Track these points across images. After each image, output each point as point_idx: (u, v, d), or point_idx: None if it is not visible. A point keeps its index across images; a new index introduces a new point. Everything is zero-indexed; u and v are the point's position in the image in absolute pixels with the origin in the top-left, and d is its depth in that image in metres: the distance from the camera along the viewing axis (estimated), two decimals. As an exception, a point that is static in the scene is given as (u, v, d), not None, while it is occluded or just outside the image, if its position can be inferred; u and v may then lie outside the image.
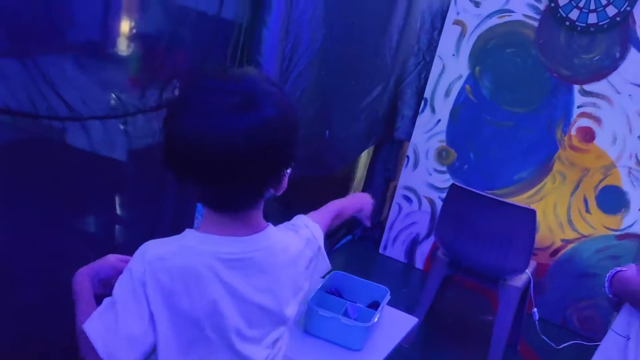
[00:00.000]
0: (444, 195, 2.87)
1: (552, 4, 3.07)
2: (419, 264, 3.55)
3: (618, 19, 2.96)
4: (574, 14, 3.05)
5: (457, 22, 3.31)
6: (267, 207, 1.08)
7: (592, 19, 3.02)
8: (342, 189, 3.56)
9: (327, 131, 2.72)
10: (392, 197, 3.62)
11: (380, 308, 1.63)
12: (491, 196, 2.70)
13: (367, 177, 3.72)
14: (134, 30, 1.86)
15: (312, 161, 2.70)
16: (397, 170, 3.65)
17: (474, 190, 2.69)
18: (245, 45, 2.23)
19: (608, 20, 2.99)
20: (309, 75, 2.45)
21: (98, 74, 1.73)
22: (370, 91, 3.06)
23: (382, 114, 3.37)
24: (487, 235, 2.65)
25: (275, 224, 1.13)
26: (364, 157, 3.68)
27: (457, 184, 2.73)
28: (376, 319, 1.58)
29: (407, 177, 3.53)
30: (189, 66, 2.15)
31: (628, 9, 2.93)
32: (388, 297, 1.69)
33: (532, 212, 2.59)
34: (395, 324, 1.72)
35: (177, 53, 2.08)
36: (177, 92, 1.93)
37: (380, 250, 3.64)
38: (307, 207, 3.24)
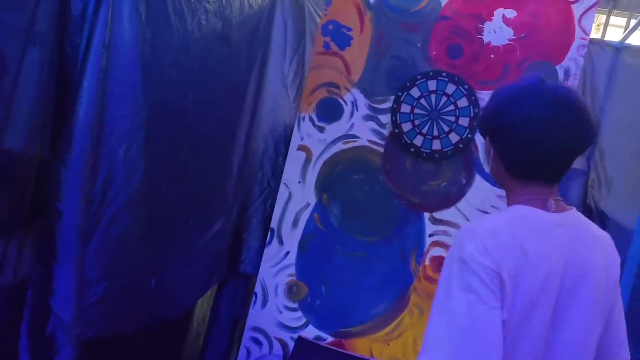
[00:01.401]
0: (296, 335, 2.53)
1: (396, 130, 2.97)
2: (272, 416, 3.11)
3: (461, 145, 2.90)
4: (418, 140, 2.96)
5: (301, 148, 3.11)
6: None
7: (436, 145, 2.94)
8: (181, 334, 3.11)
9: (153, 280, 2.31)
10: (240, 339, 3.21)
11: None
12: (338, 350, 2.39)
13: (212, 317, 3.30)
14: None
15: (136, 315, 2.27)
16: (245, 307, 3.27)
17: (323, 344, 2.36)
18: (39, 187, 1.85)
19: (452, 146, 2.92)
20: (126, 217, 2.08)
21: None
22: (210, 226, 2.73)
23: (226, 247, 3.02)
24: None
25: None
26: (207, 295, 3.28)
27: (303, 337, 2.41)
28: None
29: (255, 316, 3.15)
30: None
31: (469, 136, 2.88)
32: None
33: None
34: None
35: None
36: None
37: (228, 403, 3.18)
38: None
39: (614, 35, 3.94)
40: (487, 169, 1.83)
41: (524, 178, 1.42)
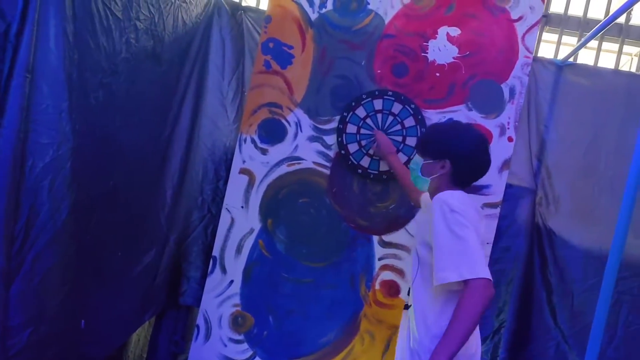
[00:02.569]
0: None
1: (343, 151, 2.87)
2: None
3: (409, 166, 2.83)
4: (365, 161, 2.87)
5: (243, 171, 2.96)
6: None
7: (384, 166, 2.85)
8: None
9: (82, 321, 2.10)
10: (182, 375, 3.01)
11: None
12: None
13: (149, 353, 3.09)
14: None
15: (63, 358, 2.06)
16: (186, 342, 3.08)
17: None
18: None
19: (399, 167, 2.84)
20: (53, 253, 1.88)
21: None
22: (140, 259, 2.54)
23: (162, 279, 2.83)
24: None
25: None
26: (145, 329, 3.07)
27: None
28: None
29: (198, 350, 2.96)
30: None
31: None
32: None
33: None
34: None
35: None
36: None
37: None
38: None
39: (546, 51, 4.01)
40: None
41: (461, 186, 2.02)
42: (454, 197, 1.88)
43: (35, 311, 1.86)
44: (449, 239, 1.78)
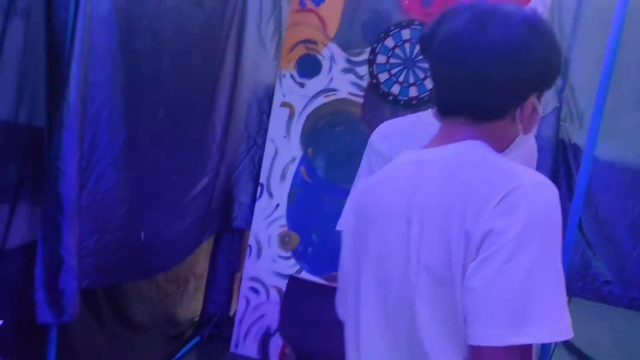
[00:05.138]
0: (291, 282, 2.70)
1: (374, 81, 3.10)
2: (274, 358, 3.30)
3: (436, 91, 3.03)
4: (395, 89, 3.09)
5: (284, 104, 3.25)
6: None
7: (413, 92, 3.07)
8: (181, 287, 3.28)
9: (142, 233, 2.46)
10: (239, 290, 3.38)
11: None
12: (330, 284, 2.56)
13: (210, 271, 3.48)
14: None
15: (128, 266, 2.43)
16: (241, 260, 3.44)
17: (313, 280, 2.53)
18: (45, 151, 1.98)
19: (427, 92, 3.05)
20: (113, 174, 2.22)
21: None
22: (195, 184, 2.87)
23: (217, 204, 3.17)
24: (330, 326, 2.48)
25: None
26: (205, 250, 3.44)
27: (294, 275, 2.57)
28: None
29: (251, 267, 3.32)
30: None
31: (443, 81, 3.01)
32: None
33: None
34: None
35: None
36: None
37: (232, 349, 3.36)
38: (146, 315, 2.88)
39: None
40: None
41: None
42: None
43: (99, 222, 2.21)
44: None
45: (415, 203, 1.04)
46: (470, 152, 1.05)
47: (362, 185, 1.20)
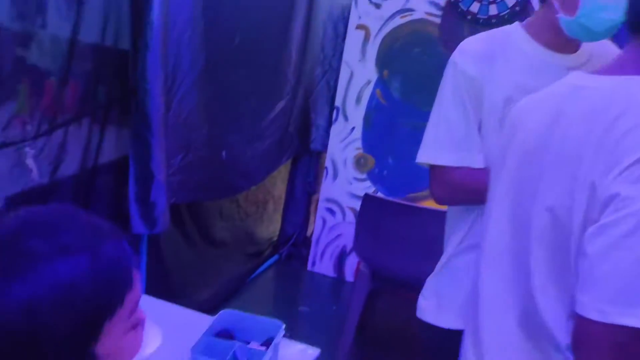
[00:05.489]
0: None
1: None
2: (349, 276, 3.42)
3: (517, 8, 2.92)
4: (474, 7, 2.99)
5: (360, 27, 3.21)
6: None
7: (493, 10, 2.97)
8: (260, 208, 3.42)
9: (223, 152, 2.57)
10: (316, 211, 3.49)
11: (271, 347, 1.49)
12: (405, 203, 2.61)
13: (288, 193, 3.59)
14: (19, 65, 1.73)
15: (210, 184, 2.55)
16: (318, 183, 3.53)
17: (387, 198, 2.58)
18: (130, 72, 2.08)
19: (508, 10, 2.94)
20: (194, 96, 2.31)
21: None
22: (272, 107, 2.93)
23: (294, 127, 3.24)
24: (406, 243, 2.55)
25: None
26: (283, 173, 3.55)
27: (369, 193, 2.62)
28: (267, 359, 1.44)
29: (328, 189, 3.41)
30: (78, 97, 2.00)
31: (525, -3, 2.90)
32: (282, 332, 1.55)
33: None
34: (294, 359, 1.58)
35: (64, 86, 1.92)
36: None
37: (309, 267, 3.50)
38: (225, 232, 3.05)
39: None
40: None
41: None
42: None
43: (184, 141, 2.32)
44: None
45: (555, 133, 0.96)
46: (634, 95, 0.89)
47: (520, 103, 1.12)
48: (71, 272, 0.60)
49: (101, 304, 0.63)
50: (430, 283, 1.57)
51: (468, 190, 1.41)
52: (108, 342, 0.64)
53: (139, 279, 0.67)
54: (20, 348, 0.60)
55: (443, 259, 1.54)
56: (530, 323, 1.00)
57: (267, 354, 1.45)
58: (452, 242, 1.52)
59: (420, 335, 1.60)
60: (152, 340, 0.73)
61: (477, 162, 1.39)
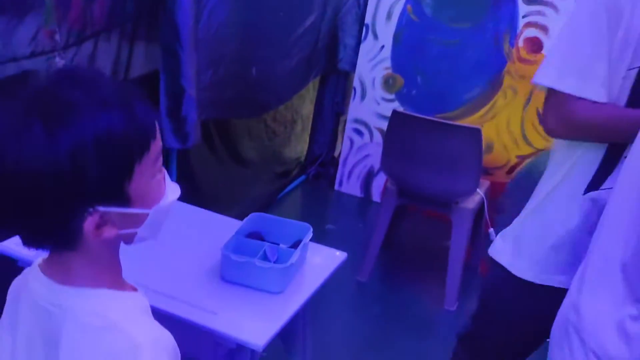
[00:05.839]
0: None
1: None
2: (376, 196, 3.45)
3: None
4: None
5: (391, -61, 3.12)
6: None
7: None
8: (288, 128, 3.44)
9: (253, 68, 2.56)
10: (344, 131, 3.49)
11: (300, 247, 1.53)
12: (433, 119, 2.59)
13: (316, 113, 3.59)
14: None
15: (240, 101, 2.56)
16: (345, 103, 3.52)
17: (415, 114, 2.57)
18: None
19: None
20: (224, 9, 2.28)
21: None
22: (301, 22, 2.89)
23: (322, 45, 3.20)
24: (432, 160, 2.55)
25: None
26: (311, 93, 3.54)
27: (397, 110, 2.61)
28: (295, 259, 1.48)
29: (355, 109, 3.40)
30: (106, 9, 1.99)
31: None
32: (310, 234, 1.59)
33: (477, 131, 2.48)
34: (322, 262, 1.62)
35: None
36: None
37: (336, 187, 3.54)
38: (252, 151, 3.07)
39: None
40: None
41: None
42: None
43: (214, 56, 2.30)
44: None
45: None
46: None
47: None
48: (110, 122, 0.68)
49: (133, 148, 0.71)
50: (514, 226, 1.47)
51: (586, 126, 1.25)
52: (138, 183, 0.73)
53: (158, 131, 0.76)
54: (65, 188, 0.67)
55: (531, 204, 1.43)
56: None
57: (296, 253, 1.49)
58: (543, 189, 1.40)
59: (487, 272, 1.59)
60: (173, 191, 0.82)
61: (601, 96, 1.21)
